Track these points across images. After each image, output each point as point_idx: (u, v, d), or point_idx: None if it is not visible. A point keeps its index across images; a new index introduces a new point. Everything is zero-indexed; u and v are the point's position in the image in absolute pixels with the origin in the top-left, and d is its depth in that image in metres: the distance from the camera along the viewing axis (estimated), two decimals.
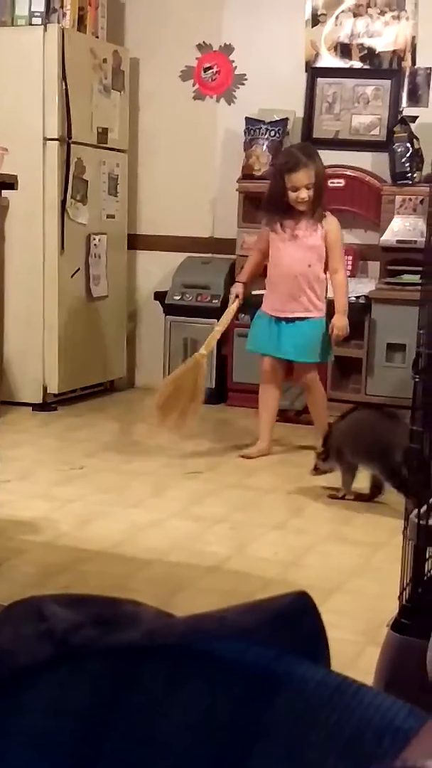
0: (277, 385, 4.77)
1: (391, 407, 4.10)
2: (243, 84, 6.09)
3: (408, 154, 5.52)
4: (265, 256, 4.70)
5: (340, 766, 0.60)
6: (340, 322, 4.62)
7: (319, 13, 5.87)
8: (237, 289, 4.78)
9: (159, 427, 4.55)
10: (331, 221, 4.65)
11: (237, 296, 4.76)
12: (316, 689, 0.63)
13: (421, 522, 2.01)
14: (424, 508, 2.03)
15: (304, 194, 4.48)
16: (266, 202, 4.74)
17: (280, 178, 4.52)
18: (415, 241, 5.33)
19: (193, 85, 6.19)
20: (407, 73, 5.76)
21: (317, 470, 4.06)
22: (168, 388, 4.56)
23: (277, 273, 4.62)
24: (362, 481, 3.96)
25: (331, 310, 4.66)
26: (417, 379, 2.07)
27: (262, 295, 4.81)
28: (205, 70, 6.16)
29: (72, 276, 5.65)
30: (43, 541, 3.32)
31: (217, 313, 5.82)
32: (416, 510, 2.03)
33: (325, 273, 4.66)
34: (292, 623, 0.69)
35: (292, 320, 4.61)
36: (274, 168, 4.65)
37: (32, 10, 5.49)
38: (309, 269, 4.58)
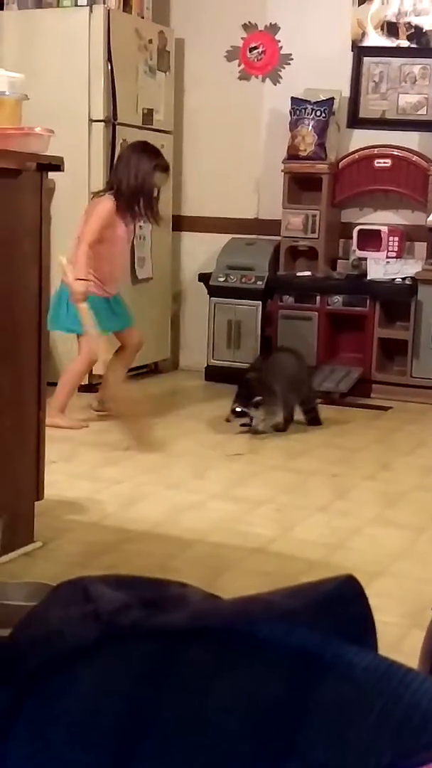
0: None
1: None
2: (289, 64, 6.05)
3: None
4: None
5: (388, 751, 0.59)
6: None
7: None
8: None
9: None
10: None
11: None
12: (364, 674, 0.63)
13: None
14: None
15: (156, 194, 4.69)
16: (137, 193, 4.64)
17: (152, 175, 4.61)
18: None
19: (239, 65, 6.16)
20: None
21: None
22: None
23: (118, 260, 4.83)
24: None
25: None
26: None
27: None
28: (251, 50, 6.12)
29: None
30: (88, 522, 3.35)
31: (261, 294, 5.81)
32: None
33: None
34: (340, 607, 0.68)
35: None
36: (147, 162, 4.64)
37: None
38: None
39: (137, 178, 4.61)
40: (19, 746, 0.69)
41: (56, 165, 2.93)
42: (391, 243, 5.69)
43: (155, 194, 4.69)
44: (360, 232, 5.77)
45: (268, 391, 4.61)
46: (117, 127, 5.52)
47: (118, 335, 4.94)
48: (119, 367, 4.86)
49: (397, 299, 5.58)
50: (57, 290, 4.59)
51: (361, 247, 5.76)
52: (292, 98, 5.81)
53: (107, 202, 4.66)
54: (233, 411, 4.63)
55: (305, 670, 0.64)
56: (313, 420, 4.86)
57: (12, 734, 0.69)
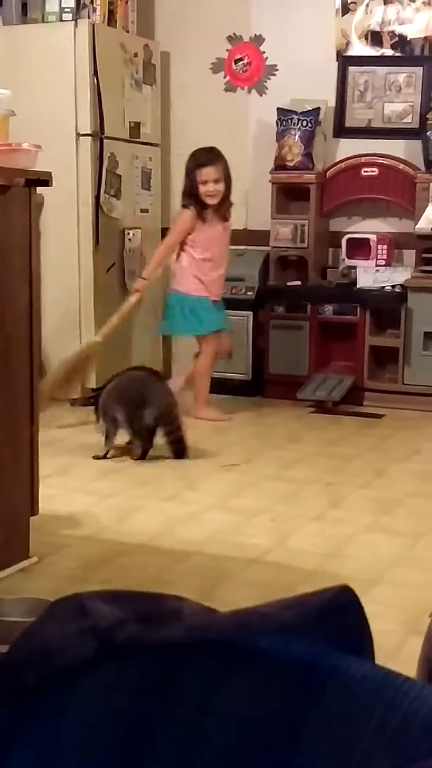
0: None
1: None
2: (274, 74, 6.07)
3: None
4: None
5: (387, 760, 0.59)
6: None
7: (349, 1, 5.83)
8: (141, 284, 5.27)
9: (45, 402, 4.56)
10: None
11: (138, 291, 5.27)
12: (361, 683, 0.63)
13: None
14: None
15: (212, 189, 5.04)
16: (191, 195, 5.13)
17: (195, 173, 5.08)
18: None
19: (224, 77, 6.18)
20: None
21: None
22: (60, 374, 5.05)
23: (218, 261, 5.18)
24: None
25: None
26: None
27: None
28: (236, 61, 6.14)
29: (107, 271, 5.66)
30: (84, 536, 3.34)
31: (251, 305, 5.82)
32: None
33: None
34: (336, 618, 0.68)
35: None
36: (191, 163, 5.18)
37: (62, 6, 5.50)
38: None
39: (187, 181, 5.13)
40: (19, 765, 0.69)
41: (44, 180, 2.94)
42: (380, 251, 5.70)
43: (212, 189, 5.02)
44: (349, 240, 5.79)
45: (103, 413, 4.35)
46: (104, 140, 5.53)
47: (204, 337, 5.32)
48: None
49: (387, 307, 5.59)
50: (167, 298, 5.31)
51: (350, 256, 5.77)
52: (279, 109, 5.83)
53: (180, 212, 5.20)
54: None
55: (303, 682, 0.65)
56: (177, 451, 4.29)
57: (12, 753, 0.69)
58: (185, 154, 6.26)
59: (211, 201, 5.03)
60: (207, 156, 5.08)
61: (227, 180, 5.09)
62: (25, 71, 5.39)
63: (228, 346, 5.47)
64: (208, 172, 5.03)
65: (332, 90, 5.90)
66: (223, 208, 5.12)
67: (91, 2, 5.55)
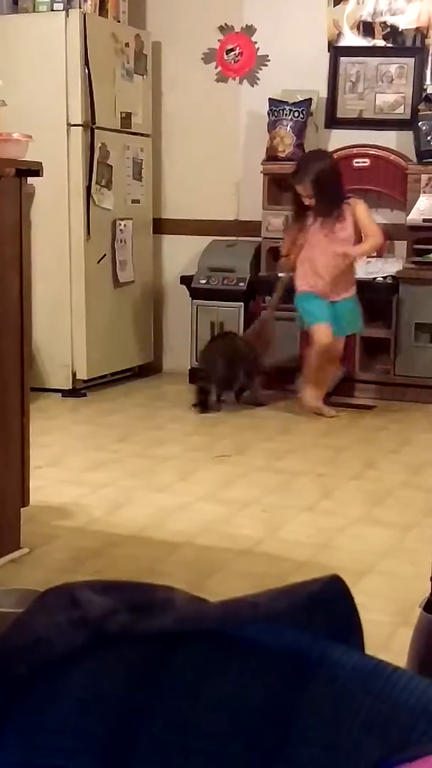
0: None
1: None
2: (266, 65, 6.06)
3: None
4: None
5: (377, 750, 0.60)
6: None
7: None
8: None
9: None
10: (353, 203, 5.16)
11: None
12: (351, 673, 0.63)
13: None
14: None
15: (307, 201, 5.06)
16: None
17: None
18: None
19: (216, 67, 6.16)
20: (431, 51, 5.71)
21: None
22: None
23: (316, 262, 5.16)
24: None
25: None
26: None
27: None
28: (228, 52, 6.13)
29: (98, 262, 5.66)
30: (75, 527, 3.34)
31: (242, 296, 5.82)
32: None
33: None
34: (326, 607, 0.68)
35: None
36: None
37: None
38: (341, 258, 5.13)
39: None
40: (8, 755, 0.69)
41: (35, 170, 2.93)
42: None
43: (307, 202, 5.07)
44: None
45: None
46: (95, 131, 5.52)
47: None
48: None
49: (378, 298, 5.59)
50: None
51: None
52: (270, 99, 5.81)
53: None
54: None
55: (293, 671, 0.65)
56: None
57: (2, 742, 0.69)
58: (177, 144, 6.26)
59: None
60: (296, 173, 5.09)
61: (324, 186, 5.02)
62: (15, 61, 5.37)
63: (335, 349, 5.28)
64: (299, 189, 5.08)
65: (324, 81, 5.89)
66: (327, 218, 5.06)
67: None
